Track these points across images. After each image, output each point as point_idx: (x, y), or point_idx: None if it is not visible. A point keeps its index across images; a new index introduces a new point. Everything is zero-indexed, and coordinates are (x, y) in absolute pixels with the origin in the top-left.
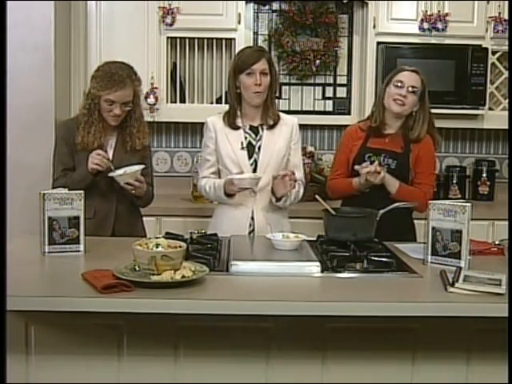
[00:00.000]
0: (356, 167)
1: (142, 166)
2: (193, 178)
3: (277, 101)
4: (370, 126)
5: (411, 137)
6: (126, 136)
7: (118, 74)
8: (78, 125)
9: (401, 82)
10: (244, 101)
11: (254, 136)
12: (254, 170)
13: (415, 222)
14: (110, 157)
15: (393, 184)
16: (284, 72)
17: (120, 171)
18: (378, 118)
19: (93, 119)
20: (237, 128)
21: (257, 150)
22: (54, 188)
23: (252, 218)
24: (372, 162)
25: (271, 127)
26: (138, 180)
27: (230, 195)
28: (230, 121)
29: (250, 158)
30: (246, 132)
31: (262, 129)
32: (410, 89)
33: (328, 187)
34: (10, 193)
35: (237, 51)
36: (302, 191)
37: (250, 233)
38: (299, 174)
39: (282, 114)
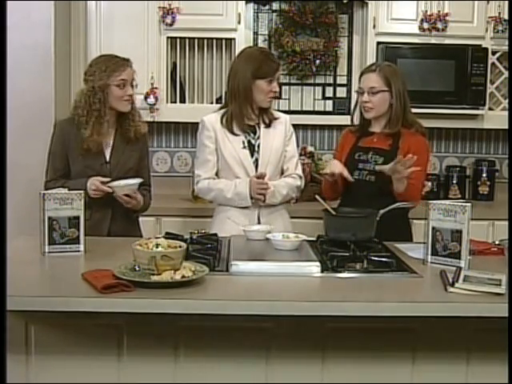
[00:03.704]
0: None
1: (140, 180)
2: (193, 178)
3: (277, 101)
4: (358, 127)
5: (390, 131)
6: (128, 124)
7: (117, 57)
8: (77, 125)
9: (360, 88)
10: (247, 102)
11: (252, 135)
12: (256, 168)
13: (415, 221)
14: (108, 156)
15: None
16: (284, 72)
17: (120, 183)
18: (360, 120)
19: (103, 119)
20: (236, 134)
21: (256, 148)
22: (46, 189)
23: (258, 217)
24: (362, 160)
25: (267, 126)
26: (134, 193)
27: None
28: (229, 126)
29: (251, 156)
30: (244, 131)
31: (259, 127)
32: (370, 90)
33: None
34: (9, 192)
35: (247, 54)
36: (299, 183)
37: None
38: (291, 166)
39: (274, 112)
